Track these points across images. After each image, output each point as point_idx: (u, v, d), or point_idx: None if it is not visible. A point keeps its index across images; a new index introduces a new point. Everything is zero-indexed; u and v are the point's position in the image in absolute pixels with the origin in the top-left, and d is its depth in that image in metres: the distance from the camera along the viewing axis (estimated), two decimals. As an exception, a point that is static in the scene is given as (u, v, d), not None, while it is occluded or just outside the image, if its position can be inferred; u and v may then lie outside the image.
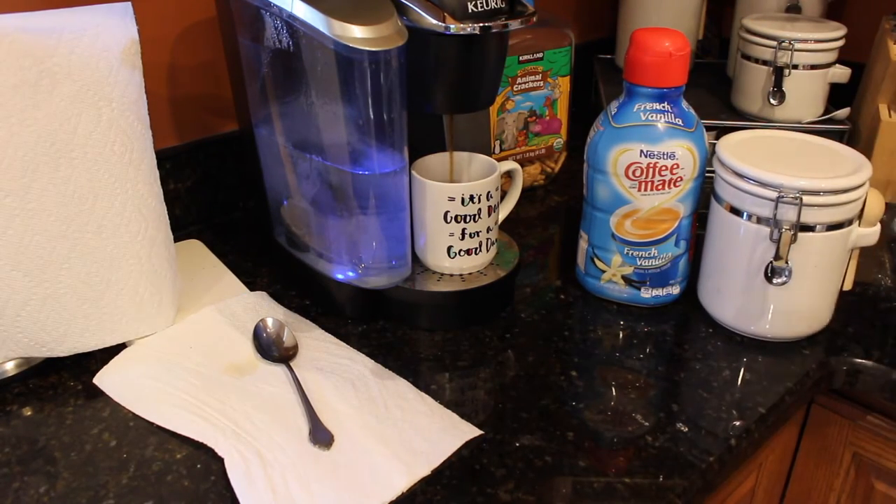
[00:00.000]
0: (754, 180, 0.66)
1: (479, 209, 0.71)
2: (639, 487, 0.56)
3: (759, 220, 0.67)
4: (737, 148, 0.71)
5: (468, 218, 0.71)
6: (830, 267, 0.69)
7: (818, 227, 0.66)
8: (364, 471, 0.56)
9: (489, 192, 0.71)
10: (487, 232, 0.73)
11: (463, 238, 0.71)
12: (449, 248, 0.72)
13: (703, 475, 0.58)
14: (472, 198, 0.70)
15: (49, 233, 0.62)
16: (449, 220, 0.70)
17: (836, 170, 0.67)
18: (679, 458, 0.59)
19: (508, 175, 0.81)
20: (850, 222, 0.67)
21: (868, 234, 0.69)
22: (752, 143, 0.72)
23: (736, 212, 0.69)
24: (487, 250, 0.74)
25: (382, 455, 0.58)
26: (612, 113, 0.72)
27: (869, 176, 0.66)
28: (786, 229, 0.65)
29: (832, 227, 0.66)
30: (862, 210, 0.68)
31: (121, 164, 0.65)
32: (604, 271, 0.76)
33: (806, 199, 0.64)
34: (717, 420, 0.63)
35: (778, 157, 0.69)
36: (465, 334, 0.73)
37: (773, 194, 0.65)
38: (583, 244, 0.78)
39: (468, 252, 0.72)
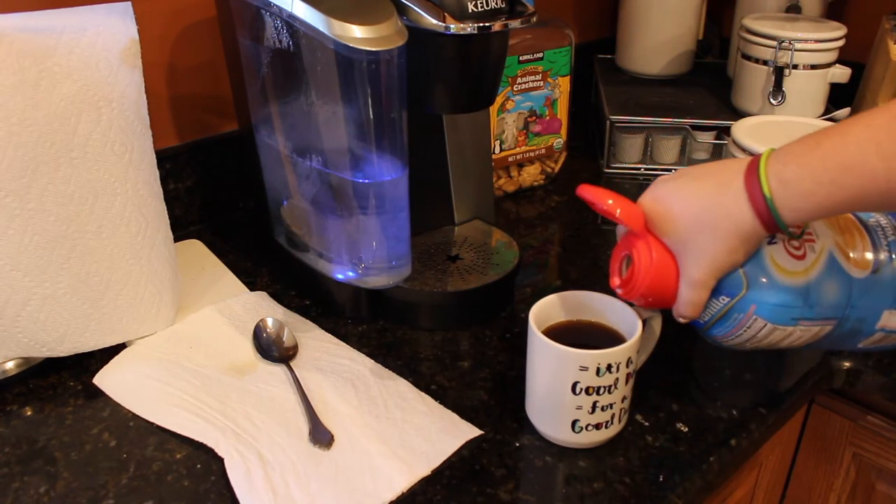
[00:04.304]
0: None
1: (617, 379, 0.56)
2: (639, 487, 0.56)
3: None
4: (756, 137, 0.71)
5: (602, 390, 0.56)
6: None
7: None
8: (364, 471, 0.56)
9: (629, 357, 0.57)
10: (622, 402, 0.59)
11: (593, 411, 0.57)
12: (574, 423, 0.58)
13: (703, 475, 0.58)
14: (609, 367, 0.55)
15: (49, 233, 0.62)
16: (578, 392, 0.56)
17: None
18: (679, 458, 0.59)
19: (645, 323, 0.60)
20: None
21: None
22: (763, 131, 0.74)
23: None
24: (620, 421, 0.60)
25: (382, 455, 0.58)
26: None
27: None
28: None
29: None
30: None
31: (121, 164, 0.65)
32: None
33: None
34: (716, 420, 0.63)
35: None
36: (465, 334, 0.73)
37: None
38: None
39: (597, 426, 0.58)
